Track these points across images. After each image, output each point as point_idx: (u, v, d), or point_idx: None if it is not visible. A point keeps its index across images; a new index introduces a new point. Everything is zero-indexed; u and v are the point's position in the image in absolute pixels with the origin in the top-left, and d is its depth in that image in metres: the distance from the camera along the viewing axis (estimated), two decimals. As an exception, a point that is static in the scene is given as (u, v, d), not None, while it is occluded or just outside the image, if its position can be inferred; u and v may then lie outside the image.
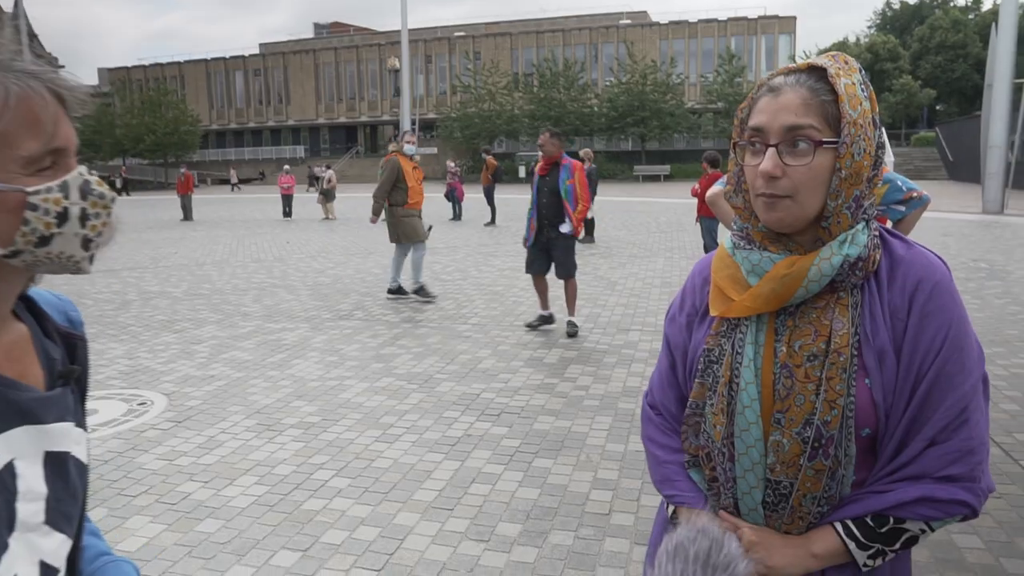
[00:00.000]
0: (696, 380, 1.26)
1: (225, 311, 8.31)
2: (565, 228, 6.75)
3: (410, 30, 38.49)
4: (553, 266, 6.93)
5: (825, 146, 1.10)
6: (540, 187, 6.78)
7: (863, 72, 1.17)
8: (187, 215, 22.98)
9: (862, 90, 1.12)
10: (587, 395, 5.09)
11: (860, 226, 1.14)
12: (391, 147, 8.84)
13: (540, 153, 6.88)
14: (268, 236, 17.31)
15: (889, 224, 3.48)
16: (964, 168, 31.56)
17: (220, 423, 4.67)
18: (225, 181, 53.23)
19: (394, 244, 8.74)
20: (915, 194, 3.34)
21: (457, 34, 57.00)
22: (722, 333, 1.23)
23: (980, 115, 20.75)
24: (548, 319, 7.11)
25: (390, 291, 8.86)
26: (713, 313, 1.24)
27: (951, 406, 1.08)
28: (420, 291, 8.70)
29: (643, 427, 1.42)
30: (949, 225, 15.61)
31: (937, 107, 55.85)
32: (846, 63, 1.14)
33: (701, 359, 1.25)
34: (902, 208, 3.35)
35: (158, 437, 4.45)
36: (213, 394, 5.26)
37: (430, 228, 9.17)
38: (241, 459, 4.10)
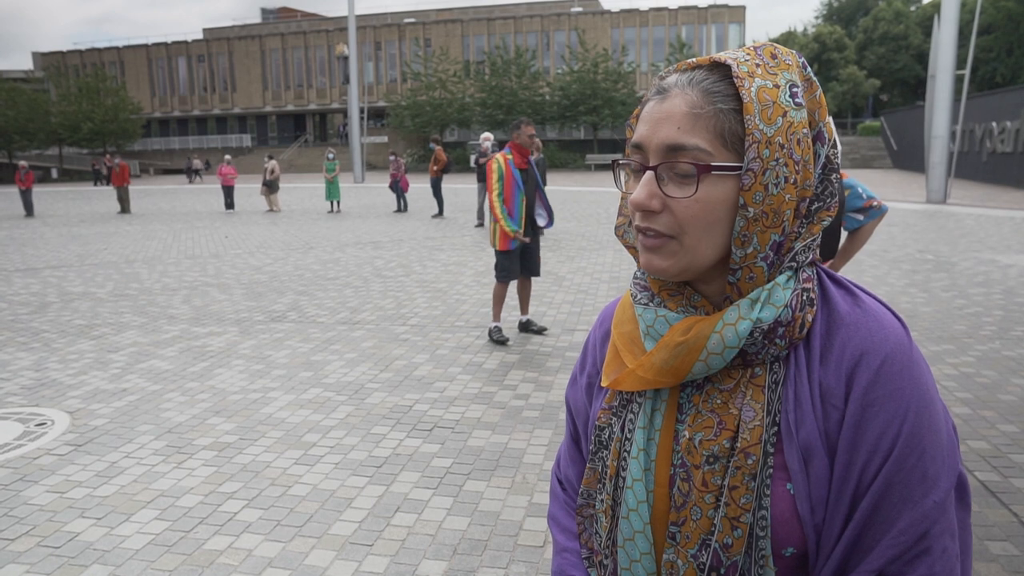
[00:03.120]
0: (588, 465, 0.97)
1: (150, 314, 7.82)
2: (543, 221, 6.45)
3: (359, 16, 37.64)
4: (524, 266, 6.50)
5: (716, 173, 0.79)
6: (524, 180, 6.31)
7: (806, 69, 0.83)
8: (124, 208, 22.07)
9: (790, 96, 0.80)
10: (527, 405, 4.81)
11: (782, 278, 0.83)
12: None
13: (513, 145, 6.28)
14: (207, 230, 16.64)
15: (844, 234, 3.25)
16: (908, 157, 32.14)
17: (125, 446, 4.26)
18: (171, 171, 51.22)
19: None
20: (875, 203, 3.12)
21: (407, 20, 56.04)
22: (614, 409, 0.93)
23: (923, 105, 21.03)
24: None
25: None
26: (603, 383, 0.94)
27: (905, 529, 0.78)
28: None
29: (549, 503, 1.13)
30: (894, 215, 15.74)
31: (881, 97, 57.01)
32: (773, 58, 0.81)
33: (593, 439, 0.96)
34: (860, 217, 3.12)
35: (52, 465, 4.03)
36: (122, 411, 4.84)
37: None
38: (143, 489, 3.72)
